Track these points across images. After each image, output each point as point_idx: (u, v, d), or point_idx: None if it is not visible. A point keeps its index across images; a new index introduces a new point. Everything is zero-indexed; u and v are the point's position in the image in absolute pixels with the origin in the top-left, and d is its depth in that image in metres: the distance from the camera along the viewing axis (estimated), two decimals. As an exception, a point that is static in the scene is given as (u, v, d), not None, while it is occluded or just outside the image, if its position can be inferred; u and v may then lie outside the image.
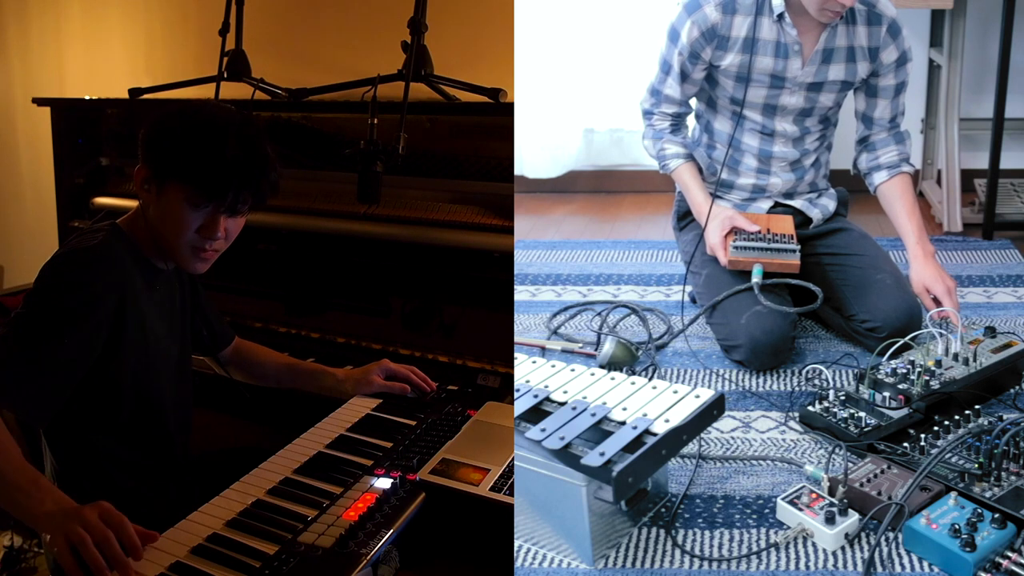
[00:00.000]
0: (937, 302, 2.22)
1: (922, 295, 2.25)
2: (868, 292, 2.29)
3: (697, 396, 1.62)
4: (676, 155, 2.42)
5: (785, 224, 2.37)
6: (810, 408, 1.96)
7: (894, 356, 2.02)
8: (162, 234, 1.50)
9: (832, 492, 1.66)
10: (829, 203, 2.50)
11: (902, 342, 2.00)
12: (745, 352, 2.22)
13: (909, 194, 2.39)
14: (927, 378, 1.95)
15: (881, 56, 2.30)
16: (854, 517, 1.61)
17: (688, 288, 2.58)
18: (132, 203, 1.59)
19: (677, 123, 2.46)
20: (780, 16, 2.20)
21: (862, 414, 1.89)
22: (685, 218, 2.56)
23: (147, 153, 1.48)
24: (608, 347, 2.26)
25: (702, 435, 1.86)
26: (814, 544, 1.62)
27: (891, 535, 1.60)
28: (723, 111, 2.40)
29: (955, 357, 2.05)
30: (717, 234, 2.30)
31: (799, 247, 2.28)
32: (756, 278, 2.21)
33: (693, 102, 2.49)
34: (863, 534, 1.62)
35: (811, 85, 2.30)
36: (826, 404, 1.95)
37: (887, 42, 2.29)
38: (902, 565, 1.56)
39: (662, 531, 1.68)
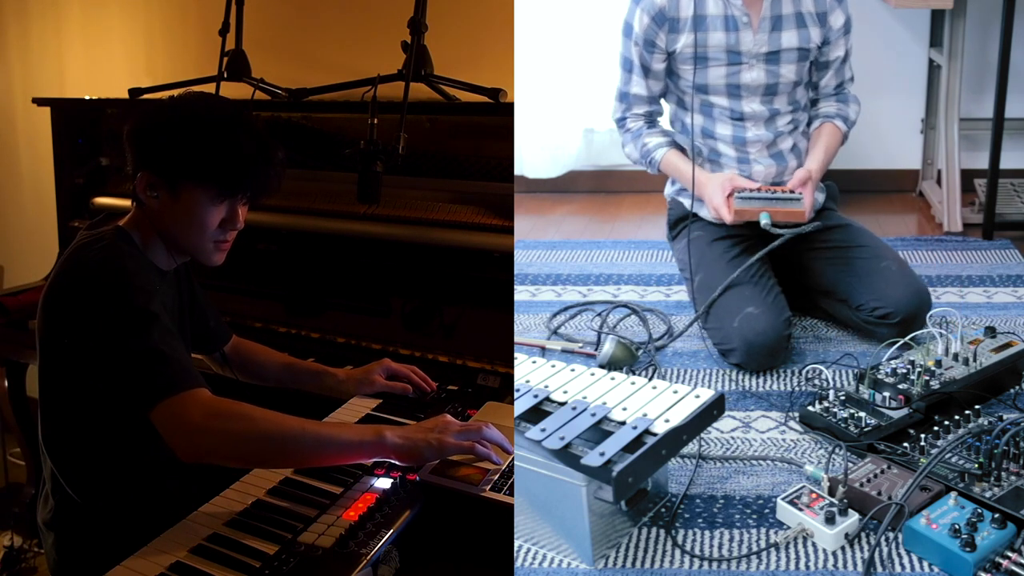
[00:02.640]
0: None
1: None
2: (875, 280, 2.30)
3: (697, 396, 1.62)
4: (659, 144, 2.41)
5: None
6: (810, 408, 1.96)
7: (894, 356, 2.02)
8: (183, 235, 1.49)
9: (832, 492, 1.67)
10: (818, 196, 2.49)
11: (902, 342, 2.01)
12: (740, 355, 2.22)
13: (828, 137, 2.42)
14: (927, 378, 1.95)
15: (830, 20, 2.33)
16: (854, 517, 1.61)
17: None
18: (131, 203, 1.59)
19: (651, 121, 2.46)
20: None
21: (862, 414, 1.89)
22: (676, 226, 2.55)
23: (148, 159, 1.45)
24: (608, 347, 2.26)
25: (702, 435, 1.86)
26: (814, 544, 1.62)
27: (891, 535, 1.60)
28: (690, 105, 2.40)
29: (955, 357, 2.05)
30: (720, 194, 2.28)
31: (803, 197, 2.29)
32: (764, 221, 2.23)
33: (665, 107, 2.49)
34: (863, 534, 1.62)
35: (768, 56, 2.30)
36: (826, 404, 1.95)
37: (833, 6, 2.32)
38: (902, 565, 1.56)
39: (662, 531, 1.68)
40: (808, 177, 2.31)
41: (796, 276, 2.42)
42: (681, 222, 2.51)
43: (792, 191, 2.30)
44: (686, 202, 2.48)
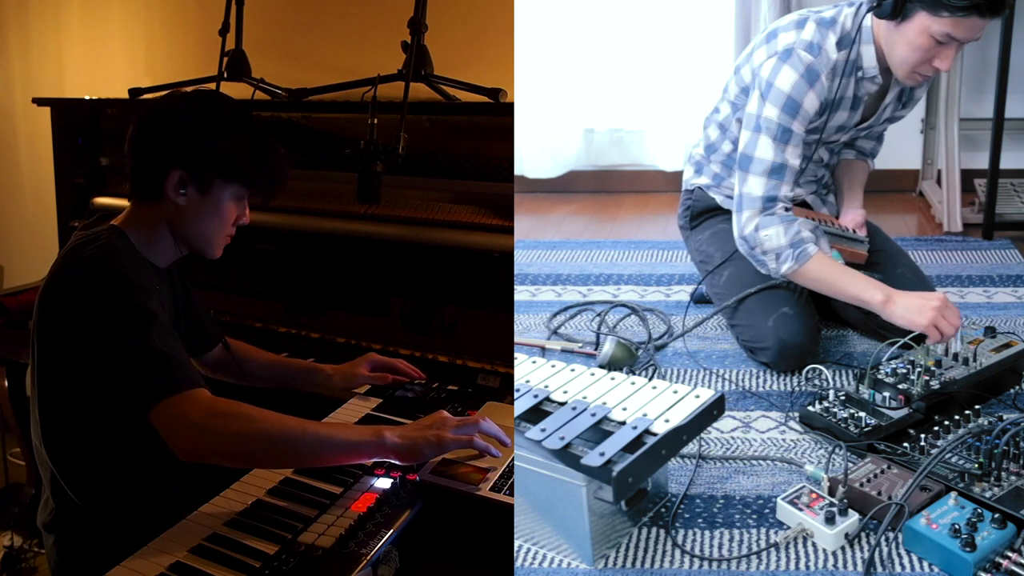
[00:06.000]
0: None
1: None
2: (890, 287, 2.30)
3: (697, 396, 1.62)
4: (812, 240, 2.14)
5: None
6: (810, 408, 1.96)
7: (894, 356, 2.02)
8: (205, 231, 1.52)
9: (832, 492, 1.67)
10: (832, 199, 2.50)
11: (902, 342, 2.01)
12: (772, 354, 2.22)
13: (864, 175, 2.45)
14: (927, 378, 1.95)
15: (916, 93, 2.33)
16: (854, 517, 1.61)
17: (700, 287, 2.56)
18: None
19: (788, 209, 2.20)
20: (872, 78, 2.14)
21: (862, 414, 1.89)
22: (699, 217, 2.51)
23: (183, 156, 1.46)
24: (608, 347, 2.26)
25: (702, 435, 1.86)
26: (814, 544, 1.62)
27: (891, 535, 1.60)
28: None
29: (955, 357, 2.05)
30: (941, 308, 2.01)
31: (867, 239, 2.32)
32: (839, 261, 2.23)
33: (730, 120, 2.37)
34: (863, 534, 1.62)
35: (862, 128, 2.31)
36: (826, 404, 1.95)
37: (904, 112, 2.36)
38: (902, 565, 1.56)
39: (662, 531, 1.68)
40: (865, 220, 2.34)
41: None
42: (704, 213, 2.49)
43: (854, 230, 2.33)
44: (717, 196, 2.46)
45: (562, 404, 1.63)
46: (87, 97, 2.78)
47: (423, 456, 1.38)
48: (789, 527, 1.65)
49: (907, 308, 2.01)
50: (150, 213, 1.51)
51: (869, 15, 2.05)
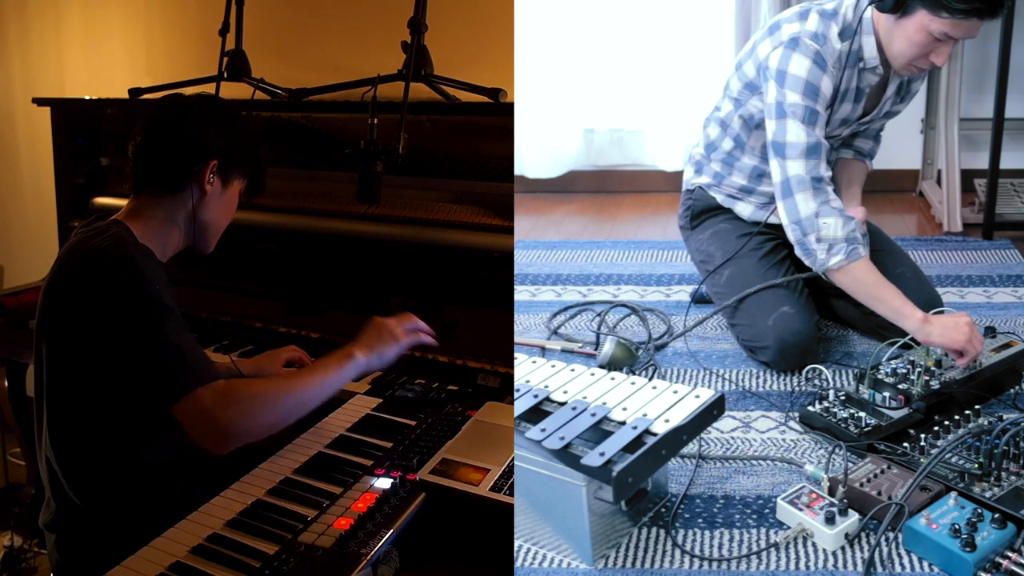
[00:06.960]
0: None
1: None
2: None
3: (697, 396, 1.62)
4: (863, 243, 2.14)
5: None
6: (810, 408, 1.96)
7: (894, 356, 2.02)
8: (219, 222, 1.62)
9: (832, 492, 1.67)
10: None
11: (902, 342, 2.01)
12: (772, 353, 2.22)
13: (862, 175, 2.44)
14: (927, 378, 1.95)
15: (912, 87, 2.33)
16: (854, 517, 1.61)
17: (700, 287, 2.56)
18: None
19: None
20: (873, 68, 2.14)
21: (862, 414, 1.89)
22: (700, 216, 2.51)
23: (220, 148, 1.55)
24: (608, 347, 2.26)
25: (702, 435, 1.86)
26: (814, 544, 1.62)
27: (891, 535, 1.60)
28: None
29: (955, 357, 2.05)
30: (968, 329, 2.02)
31: (867, 237, 2.28)
32: None
33: (731, 117, 2.37)
34: (863, 534, 1.62)
35: (863, 122, 2.31)
36: (826, 404, 1.95)
37: (923, 75, 2.32)
38: (902, 565, 1.56)
39: (662, 531, 1.68)
40: (865, 217, 2.31)
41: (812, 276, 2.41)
42: (705, 213, 2.49)
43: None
44: (717, 196, 2.46)
45: (562, 404, 1.64)
46: (87, 97, 2.78)
47: (391, 357, 1.57)
48: (789, 527, 1.65)
49: (944, 326, 2.02)
50: (163, 204, 1.52)
51: (869, 7, 2.07)
